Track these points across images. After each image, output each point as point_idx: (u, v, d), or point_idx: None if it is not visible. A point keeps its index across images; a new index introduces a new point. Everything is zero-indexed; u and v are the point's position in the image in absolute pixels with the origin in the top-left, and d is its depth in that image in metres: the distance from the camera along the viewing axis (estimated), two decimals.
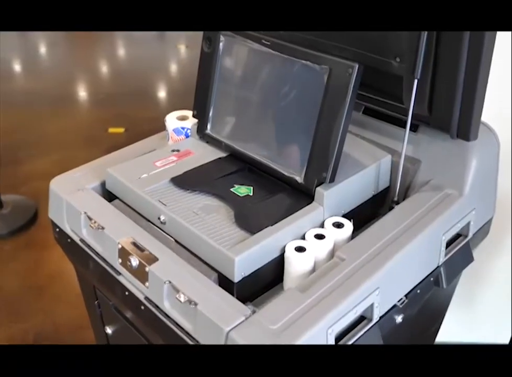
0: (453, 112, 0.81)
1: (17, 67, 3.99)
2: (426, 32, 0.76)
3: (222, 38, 0.92)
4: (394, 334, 0.86)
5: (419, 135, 0.94)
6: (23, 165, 2.55)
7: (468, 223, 0.93)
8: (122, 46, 4.50)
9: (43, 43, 4.45)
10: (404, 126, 0.89)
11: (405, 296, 0.83)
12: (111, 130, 2.89)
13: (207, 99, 0.96)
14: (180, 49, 4.30)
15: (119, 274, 0.83)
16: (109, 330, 1.02)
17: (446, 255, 0.90)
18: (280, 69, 0.85)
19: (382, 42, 0.86)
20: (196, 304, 0.70)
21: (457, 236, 0.95)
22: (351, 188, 0.87)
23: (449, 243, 0.92)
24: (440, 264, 0.89)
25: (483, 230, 1.01)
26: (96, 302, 1.01)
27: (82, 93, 3.53)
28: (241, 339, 0.66)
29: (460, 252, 0.94)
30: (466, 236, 0.95)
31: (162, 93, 3.54)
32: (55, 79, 3.65)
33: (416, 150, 0.94)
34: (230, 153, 0.96)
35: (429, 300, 0.96)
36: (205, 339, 0.71)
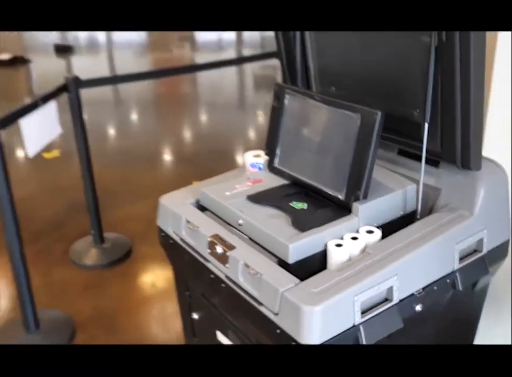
0: (455, 147, 1.08)
1: (114, 130, 4.63)
2: (431, 85, 1.05)
3: (287, 96, 1.26)
4: (416, 323, 1.09)
5: (439, 169, 1.21)
6: (122, 208, 3.01)
7: (481, 240, 1.17)
8: (205, 112, 5.05)
9: (135, 110, 5.11)
10: (429, 164, 1.17)
11: (423, 289, 1.08)
12: (195, 182, 3.30)
13: (276, 141, 1.29)
14: (258, 115, 4.77)
15: (207, 261, 1.15)
16: (195, 316, 1.32)
17: (461, 263, 1.14)
18: (326, 117, 1.17)
19: (407, 98, 1.16)
20: (261, 275, 0.99)
21: (474, 251, 1.19)
22: (381, 206, 1.14)
23: (466, 255, 1.16)
24: (455, 269, 1.12)
25: (501, 250, 1.23)
26: (187, 292, 1.33)
27: (169, 152, 4.04)
28: (292, 297, 0.94)
29: (475, 263, 1.17)
30: (480, 251, 1.18)
31: (239, 151, 3.96)
32: (146, 140, 4.21)
33: (437, 180, 1.21)
34: (292, 181, 1.27)
35: (455, 305, 1.19)
36: (267, 300, 0.99)
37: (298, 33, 1.32)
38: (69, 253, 2.59)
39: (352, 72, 1.27)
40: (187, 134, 4.55)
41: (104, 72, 6.03)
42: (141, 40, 9.92)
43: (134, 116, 5.02)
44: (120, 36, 10.80)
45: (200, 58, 7.64)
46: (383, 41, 1.17)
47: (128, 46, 9.09)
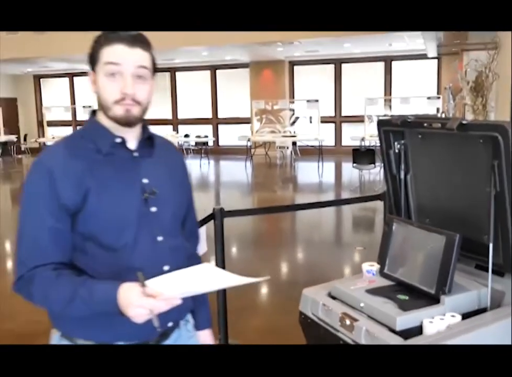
0: (506, 259, 1.60)
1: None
2: (493, 218, 1.61)
3: (394, 224, 1.86)
4: None
5: (504, 278, 1.71)
6: None
7: None
8: (301, 251, 5.66)
9: (239, 244, 5.82)
10: (496, 274, 1.69)
11: None
12: None
13: (386, 254, 1.87)
14: (358, 250, 5.30)
15: (338, 331, 1.69)
16: None
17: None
18: (421, 238, 1.76)
19: (478, 226, 1.71)
20: (377, 337, 1.53)
21: None
22: (461, 299, 1.65)
23: None
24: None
25: None
26: None
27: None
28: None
29: None
30: None
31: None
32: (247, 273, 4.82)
33: (502, 286, 1.71)
34: (397, 282, 1.82)
35: None
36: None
37: (402, 177, 1.95)
38: None
39: (440, 207, 1.87)
40: (285, 266, 5.07)
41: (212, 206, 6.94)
42: (247, 180, 11.04)
43: (235, 249, 5.54)
44: (226, 174, 12.09)
45: (302, 199, 8.39)
46: (462, 187, 1.77)
47: (236, 186, 10.15)
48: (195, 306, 1.43)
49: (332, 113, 13.92)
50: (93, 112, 1.35)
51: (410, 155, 1.93)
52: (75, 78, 15.89)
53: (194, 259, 1.41)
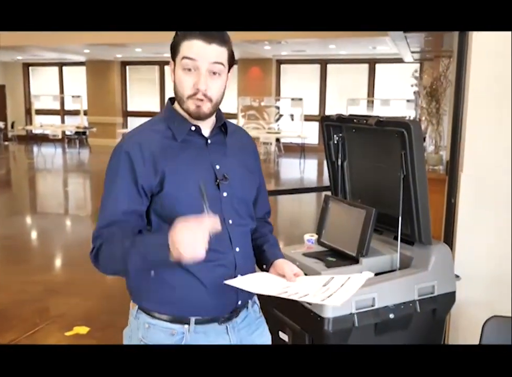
0: (415, 231, 2.02)
1: None
2: (401, 197, 2.03)
3: (330, 201, 2.28)
4: (390, 327, 1.95)
5: (414, 247, 2.13)
6: None
7: (433, 286, 2.04)
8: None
9: None
10: (406, 242, 2.11)
11: (394, 305, 1.95)
12: None
13: (322, 227, 2.29)
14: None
15: None
16: None
17: (419, 297, 2.01)
18: (349, 213, 2.17)
19: (393, 204, 2.13)
20: None
21: (430, 293, 2.05)
22: (376, 261, 2.07)
23: (424, 294, 2.03)
24: (415, 299, 2.00)
25: (449, 297, 2.08)
26: None
27: None
28: None
29: (428, 299, 2.03)
30: (433, 293, 2.04)
31: None
32: None
33: (411, 252, 2.13)
34: (330, 248, 2.24)
35: (421, 323, 2.03)
36: None
37: (340, 164, 2.36)
38: None
39: (368, 189, 2.29)
40: None
41: None
42: None
43: None
44: None
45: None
46: (383, 172, 2.19)
47: None
48: (268, 246, 1.52)
49: (316, 112, 14.35)
50: (171, 100, 1.42)
51: (346, 146, 2.34)
52: (64, 68, 16.12)
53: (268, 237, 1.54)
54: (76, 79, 15.69)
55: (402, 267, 2.11)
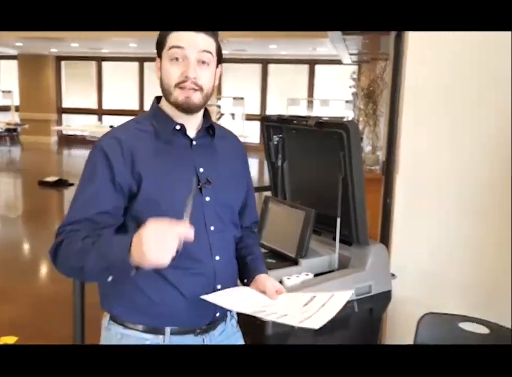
0: (352, 232, 2.04)
1: None
2: (340, 198, 2.04)
3: (270, 202, 2.26)
4: (329, 327, 1.95)
5: (352, 247, 2.15)
6: None
7: (370, 286, 2.07)
8: None
9: None
10: (345, 243, 2.12)
11: None
12: None
13: (263, 227, 2.27)
14: None
15: None
16: None
17: (357, 296, 2.03)
18: (289, 214, 2.16)
19: (332, 204, 2.14)
20: None
21: (368, 292, 2.08)
22: (315, 262, 2.08)
23: (362, 293, 2.05)
24: (354, 299, 2.02)
25: (385, 296, 2.12)
26: None
27: None
28: None
29: (366, 299, 2.06)
30: (370, 292, 2.07)
31: None
32: None
33: (349, 252, 2.15)
34: (269, 249, 2.22)
35: (359, 323, 2.05)
36: None
37: (280, 164, 2.35)
38: None
39: (308, 189, 2.30)
40: None
41: None
42: None
43: None
44: None
45: None
46: (323, 173, 2.20)
47: None
48: (252, 259, 1.46)
49: (258, 111, 14.41)
50: (158, 99, 1.38)
51: (286, 147, 2.33)
52: None
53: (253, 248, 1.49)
54: (7, 73, 14.97)
55: (340, 268, 2.12)
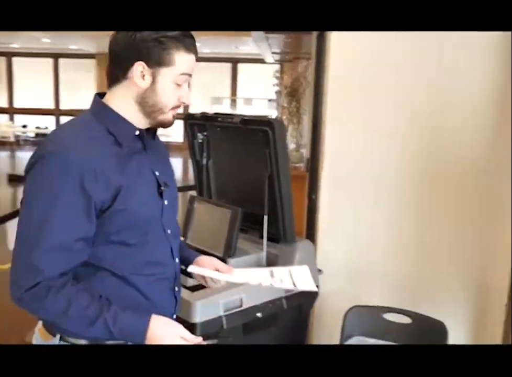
0: (280, 230, 2.04)
1: None
2: (267, 196, 2.04)
3: (195, 202, 2.22)
4: (258, 326, 1.94)
5: (279, 244, 2.15)
6: None
7: None
8: None
9: None
10: (273, 241, 2.12)
11: (262, 304, 1.95)
12: None
13: (188, 227, 2.22)
14: None
15: None
16: None
17: (286, 293, 2.03)
18: (215, 213, 2.13)
19: (258, 203, 2.13)
20: None
21: None
22: (243, 261, 2.06)
23: (290, 290, 2.06)
24: (282, 296, 2.02)
25: (313, 291, 2.14)
26: None
27: None
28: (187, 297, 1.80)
29: (294, 296, 2.06)
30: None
31: None
32: None
33: (277, 250, 2.15)
34: (195, 249, 2.17)
35: (287, 320, 2.05)
36: None
37: (205, 163, 2.31)
38: None
39: (234, 188, 2.27)
40: None
41: None
42: None
43: None
44: None
45: None
46: (249, 171, 2.18)
47: None
48: (182, 246, 1.49)
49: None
50: (99, 96, 1.27)
51: (211, 145, 2.30)
52: None
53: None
54: None
55: (269, 266, 2.11)
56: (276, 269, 1.50)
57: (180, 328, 1.22)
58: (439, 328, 1.97)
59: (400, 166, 2.33)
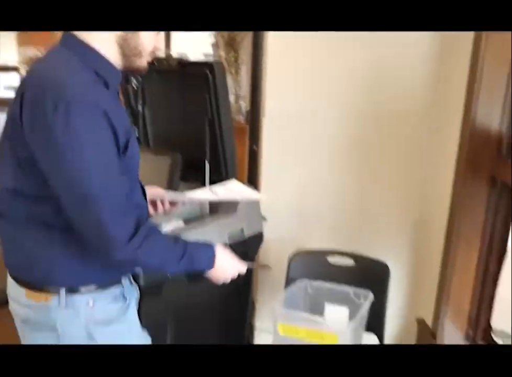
0: (221, 175, 1.99)
1: None
2: (208, 135, 1.96)
3: None
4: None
5: None
6: None
7: (242, 229, 2.05)
8: None
9: None
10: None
11: None
12: None
13: None
14: None
15: None
16: None
17: (229, 240, 2.00)
18: (154, 161, 2.04)
19: (201, 149, 2.06)
20: None
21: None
22: (185, 210, 2.00)
23: (235, 238, 2.02)
24: (227, 243, 1.98)
25: (258, 238, 2.12)
26: None
27: None
28: None
29: (240, 243, 2.04)
30: (243, 236, 2.06)
31: None
32: None
33: None
34: None
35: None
36: None
37: (140, 109, 2.19)
38: None
39: (173, 135, 2.18)
40: None
41: None
42: None
43: None
44: None
45: None
46: (189, 117, 2.09)
47: None
48: None
49: None
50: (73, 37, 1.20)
51: (146, 91, 2.18)
52: None
53: None
54: None
55: (212, 213, 2.07)
56: (214, 188, 1.67)
57: (235, 259, 1.47)
58: (382, 269, 2.02)
59: (342, 108, 2.31)
